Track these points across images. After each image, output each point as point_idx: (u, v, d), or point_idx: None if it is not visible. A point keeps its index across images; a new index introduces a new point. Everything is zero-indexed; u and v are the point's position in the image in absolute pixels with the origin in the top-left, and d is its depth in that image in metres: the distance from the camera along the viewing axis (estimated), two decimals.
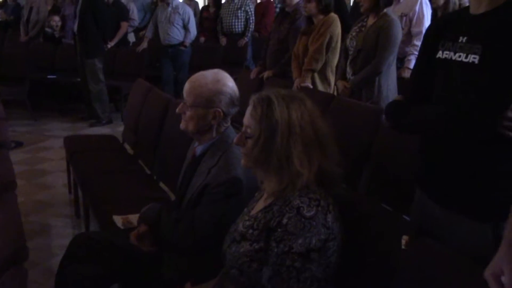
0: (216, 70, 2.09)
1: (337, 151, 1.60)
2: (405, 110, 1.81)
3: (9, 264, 1.31)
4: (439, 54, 1.70)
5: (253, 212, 1.66)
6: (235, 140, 1.66)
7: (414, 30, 4.66)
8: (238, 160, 1.79)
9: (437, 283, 1.38)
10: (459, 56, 1.61)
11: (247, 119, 1.61)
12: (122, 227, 2.56)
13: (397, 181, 2.82)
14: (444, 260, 1.40)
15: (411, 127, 1.83)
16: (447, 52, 1.66)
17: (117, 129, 6.33)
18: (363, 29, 3.77)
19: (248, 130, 1.59)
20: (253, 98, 1.61)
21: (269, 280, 1.49)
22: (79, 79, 6.86)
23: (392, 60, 3.72)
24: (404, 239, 1.64)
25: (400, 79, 4.28)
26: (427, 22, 4.58)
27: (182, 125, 2.10)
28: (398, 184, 2.82)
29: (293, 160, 1.51)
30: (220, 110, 2.03)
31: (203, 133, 2.08)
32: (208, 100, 2.02)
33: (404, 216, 2.55)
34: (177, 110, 2.09)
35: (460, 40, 1.62)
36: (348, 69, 3.89)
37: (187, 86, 2.07)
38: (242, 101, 2.08)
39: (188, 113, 2.05)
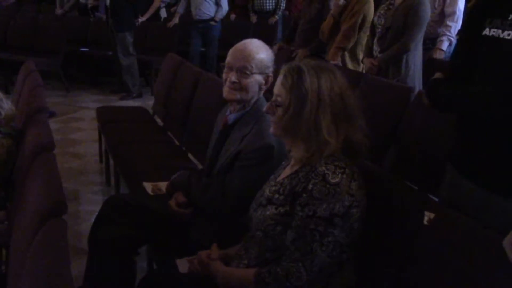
0: (255, 39, 2.13)
1: (364, 123, 1.62)
2: (446, 89, 1.76)
3: (49, 215, 1.40)
4: (486, 32, 1.64)
5: (280, 178, 1.71)
6: (265, 108, 1.70)
7: (448, 10, 4.55)
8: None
9: (460, 255, 1.40)
10: (508, 35, 1.56)
11: (277, 88, 1.64)
12: (151, 193, 2.64)
13: (423, 161, 2.82)
14: (469, 233, 1.41)
15: (453, 107, 1.77)
16: (495, 30, 1.61)
17: (147, 102, 6.39)
18: (391, 7, 3.78)
19: (278, 99, 1.63)
20: (284, 68, 1.64)
21: (293, 242, 1.54)
22: (110, 53, 6.97)
23: (420, 39, 3.72)
24: (427, 215, 1.66)
25: (431, 59, 4.25)
26: (460, 2, 4.51)
27: (236, 95, 2.08)
28: (424, 163, 2.82)
29: (322, 130, 1.55)
30: (271, 75, 2.09)
31: (247, 100, 2.10)
32: (266, 65, 2.08)
33: (430, 196, 2.56)
34: (233, 78, 2.06)
35: (510, 18, 1.58)
36: (375, 47, 3.90)
37: (244, 54, 2.06)
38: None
39: (249, 80, 2.05)
